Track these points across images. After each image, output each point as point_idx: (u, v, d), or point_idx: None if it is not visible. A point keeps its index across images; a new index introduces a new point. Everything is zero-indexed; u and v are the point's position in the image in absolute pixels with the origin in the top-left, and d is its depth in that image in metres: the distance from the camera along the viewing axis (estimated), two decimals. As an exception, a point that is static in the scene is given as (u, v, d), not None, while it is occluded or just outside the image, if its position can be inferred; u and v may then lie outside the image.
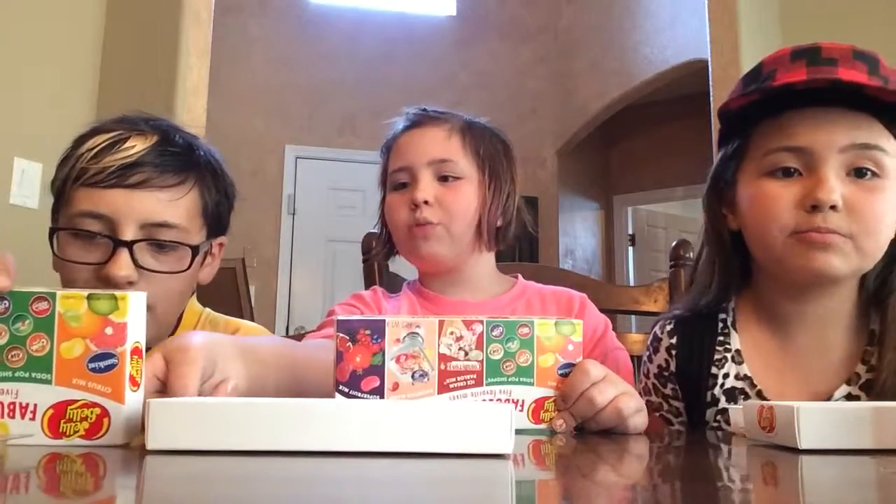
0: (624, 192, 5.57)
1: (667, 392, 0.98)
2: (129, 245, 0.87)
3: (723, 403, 0.91)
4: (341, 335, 0.71)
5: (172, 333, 0.99)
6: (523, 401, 0.75)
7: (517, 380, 0.74)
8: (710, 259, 0.95)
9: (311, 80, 4.93)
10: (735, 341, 0.93)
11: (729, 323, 0.94)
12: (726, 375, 0.92)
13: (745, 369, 0.91)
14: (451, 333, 0.72)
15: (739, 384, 0.91)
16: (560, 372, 0.75)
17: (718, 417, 0.92)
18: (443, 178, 1.08)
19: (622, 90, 4.71)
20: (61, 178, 0.91)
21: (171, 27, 2.18)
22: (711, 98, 2.44)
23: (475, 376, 0.73)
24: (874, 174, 0.83)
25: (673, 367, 0.96)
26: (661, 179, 5.35)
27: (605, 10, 4.95)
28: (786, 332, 0.91)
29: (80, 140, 0.93)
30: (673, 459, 0.67)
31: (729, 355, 0.93)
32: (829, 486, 0.48)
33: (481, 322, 0.72)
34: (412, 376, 0.72)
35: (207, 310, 1.06)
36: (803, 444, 0.58)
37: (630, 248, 5.48)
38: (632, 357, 1.21)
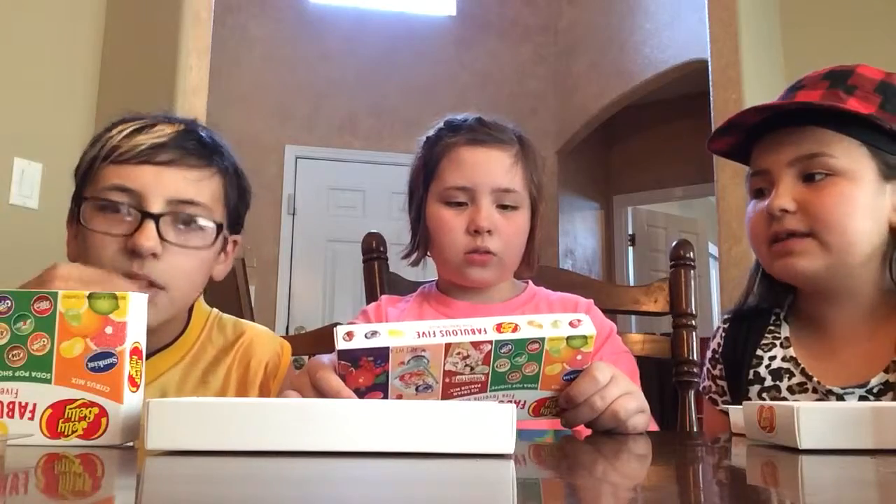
0: (624, 192, 5.56)
1: (715, 373, 1.08)
2: (156, 218, 0.90)
3: (769, 382, 1.00)
4: (342, 362, 0.68)
5: (182, 332, 1.00)
6: (525, 401, 0.74)
7: (521, 386, 0.73)
8: (753, 271, 1.06)
9: (311, 80, 4.92)
10: (785, 330, 1.02)
11: (782, 316, 1.04)
12: (772, 357, 1.01)
13: (791, 352, 1.00)
14: (458, 353, 0.69)
15: (785, 365, 0.99)
16: (565, 377, 0.73)
17: (764, 395, 0.99)
18: (501, 206, 1.07)
19: (622, 90, 4.70)
20: (90, 157, 0.94)
21: (171, 27, 2.18)
22: (711, 98, 2.44)
23: (479, 386, 0.72)
24: (826, 174, 0.92)
25: (721, 348, 1.07)
26: (661, 179, 5.35)
27: (605, 10, 4.94)
28: (824, 327, 0.99)
29: (108, 128, 0.96)
30: (673, 459, 0.67)
31: (777, 341, 1.02)
32: (829, 486, 0.48)
33: (490, 342, 0.69)
34: (416, 389, 0.71)
35: (215, 310, 1.07)
36: (803, 444, 0.58)
37: (630, 248, 5.47)
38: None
